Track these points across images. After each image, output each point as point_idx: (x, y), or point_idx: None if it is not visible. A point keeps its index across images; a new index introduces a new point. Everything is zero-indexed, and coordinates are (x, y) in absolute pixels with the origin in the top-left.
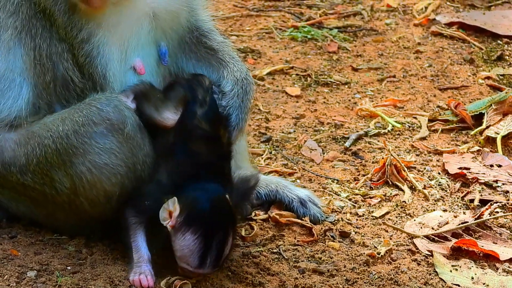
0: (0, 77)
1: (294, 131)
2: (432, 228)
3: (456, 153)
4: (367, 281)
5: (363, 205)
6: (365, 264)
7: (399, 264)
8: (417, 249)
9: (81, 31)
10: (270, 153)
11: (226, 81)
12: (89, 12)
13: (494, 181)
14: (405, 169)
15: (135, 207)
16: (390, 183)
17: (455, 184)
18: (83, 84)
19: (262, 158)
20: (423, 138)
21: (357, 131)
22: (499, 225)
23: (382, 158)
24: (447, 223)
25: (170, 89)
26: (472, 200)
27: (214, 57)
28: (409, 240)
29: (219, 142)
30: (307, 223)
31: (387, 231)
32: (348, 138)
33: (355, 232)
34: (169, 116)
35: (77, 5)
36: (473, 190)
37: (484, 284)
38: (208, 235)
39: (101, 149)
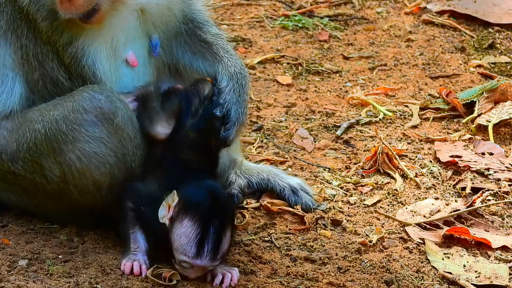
0: None
1: (286, 120)
2: (424, 216)
3: (447, 141)
4: (359, 269)
5: (355, 193)
6: (357, 252)
7: (391, 252)
8: (409, 237)
9: (63, 36)
10: (262, 141)
11: (221, 77)
12: (84, 27)
13: (485, 169)
14: (397, 157)
15: (133, 203)
16: (382, 171)
17: (446, 172)
18: (71, 84)
19: (253, 146)
20: (415, 127)
21: (349, 120)
22: (491, 213)
23: (374, 146)
24: (439, 211)
25: (166, 98)
26: (463, 188)
27: (209, 50)
28: (401, 228)
29: (208, 150)
30: (299, 212)
31: (379, 219)
32: (339, 126)
33: (347, 220)
34: (161, 131)
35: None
36: (464, 178)
37: (476, 271)
38: (205, 222)
39: (90, 137)
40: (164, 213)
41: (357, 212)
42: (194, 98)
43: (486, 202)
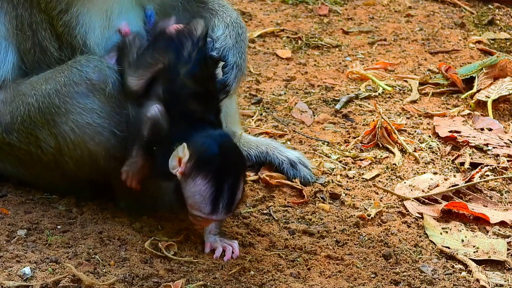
0: None
1: (285, 93)
2: (423, 191)
3: (446, 116)
4: (357, 242)
5: (354, 167)
6: (355, 226)
7: (389, 226)
8: (407, 211)
9: (60, 2)
10: (261, 114)
11: (218, 27)
12: None
13: (484, 144)
14: (396, 131)
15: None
16: (381, 145)
17: (445, 147)
18: (60, 53)
19: (252, 119)
20: (414, 101)
21: (348, 94)
22: (489, 188)
23: (373, 120)
24: (437, 185)
25: (154, 43)
26: (462, 163)
27: (205, 8)
28: (399, 203)
29: (208, 97)
30: (297, 185)
31: (377, 193)
32: (338, 100)
33: (345, 194)
34: (132, 82)
35: None
36: (463, 153)
37: (474, 246)
38: (219, 179)
39: (82, 109)
40: (174, 165)
41: (356, 186)
42: (186, 41)
43: (484, 178)
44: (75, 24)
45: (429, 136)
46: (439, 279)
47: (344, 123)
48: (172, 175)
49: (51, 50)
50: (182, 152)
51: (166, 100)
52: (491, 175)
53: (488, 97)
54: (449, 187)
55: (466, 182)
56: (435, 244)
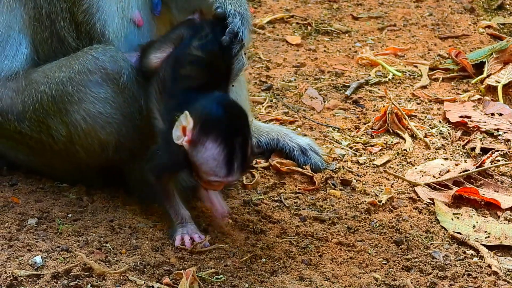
0: (1, 35)
1: (295, 80)
2: (434, 177)
3: (457, 101)
4: (369, 229)
5: (364, 153)
6: (366, 212)
7: (401, 212)
8: (419, 197)
9: None
10: (271, 101)
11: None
12: None
13: (495, 129)
14: (406, 117)
15: (153, 168)
16: (391, 131)
17: (456, 132)
18: (77, 43)
19: (262, 106)
20: (424, 87)
21: (358, 80)
22: (500, 173)
23: (383, 106)
24: (448, 171)
25: (176, 26)
26: (473, 149)
27: None
28: (410, 188)
29: (215, 66)
30: (308, 172)
31: (388, 179)
32: (348, 86)
33: (356, 180)
34: (154, 57)
35: None
36: (474, 138)
37: (485, 232)
38: (229, 139)
39: (95, 98)
40: (179, 135)
41: (367, 172)
42: (204, 27)
43: (495, 163)
44: (95, 10)
45: (440, 122)
46: (451, 265)
47: (354, 109)
48: (178, 147)
49: (69, 40)
50: (185, 120)
51: (169, 64)
52: (502, 160)
53: (499, 82)
54: (460, 172)
55: (477, 167)
56: (446, 229)
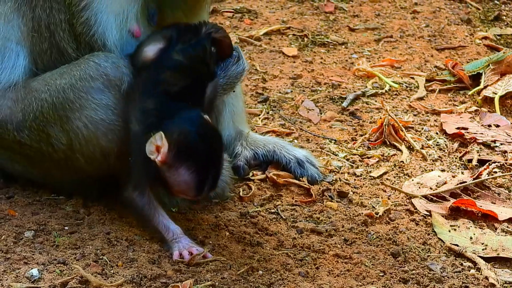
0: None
1: (291, 91)
2: (431, 188)
3: (453, 113)
4: (366, 241)
5: (361, 165)
6: (363, 224)
7: (398, 224)
8: (416, 209)
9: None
10: (268, 113)
11: None
12: None
13: (492, 141)
14: (403, 129)
15: (133, 185)
16: (388, 143)
17: (453, 144)
18: (77, 53)
19: (259, 118)
20: (421, 98)
21: (355, 91)
22: (497, 185)
23: (380, 118)
24: (445, 183)
25: (162, 30)
26: (470, 160)
27: None
28: (408, 200)
29: (195, 72)
30: (305, 184)
31: (385, 191)
32: (345, 98)
33: (353, 192)
34: (148, 50)
35: None
36: (471, 150)
37: (482, 244)
38: (203, 166)
39: (97, 105)
40: (152, 151)
41: (363, 184)
42: (190, 31)
43: (492, 174)
44: (93, 23)
45: (437, 133)
46: (448, 277)
47: (351, 121)
48: (149, 158)
49: (69, 51)
50: (160, 141)
51: (151, 66)
52: (499, 171)
53: (495, 93)
54: (457, 184)
55: (474, 179)
56: (443, 241)
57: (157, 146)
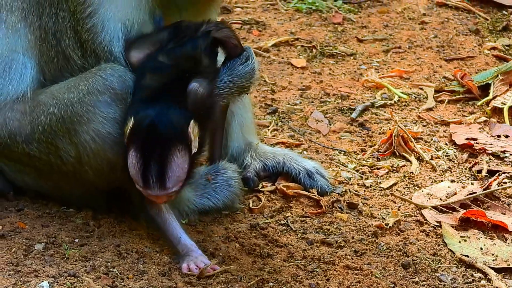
0: (5, 58)
1: (300, 103)
2: (440, 199)
3: (463, 123)
4: (376, 252)
5: (371, 176)
6: (373, 235)
7: (408, 235)
8: (426, 220)
9: (90, 6)
10: (277, 124)
11: None
12: None
13: (501, 151)
14: (412, 140)
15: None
16: (397, 154)
17: (462, 154)
18: (83, 61)
19: (268, 129)
20: (430, 109)
21: (364, 102)
22: (507, 195)
23: (389, 129)
24: (455, 193)
25: (158, 31)
26: (480, 171)
27: None
28: (417, 211)
29: (177, 67)
30: (315, 195)
31: (395, 202)
32: (354, 109)
33: (363, 204)
34: (133, 54)
35: None
36: (480, 160)
37: (493, 254)
38: (143, 152)
39: (104, 118)
40: (124, 139)
41: (373, 195)
42: (186, 30)
43: (502, 185)
44: (100, 30)
45: (446, 144)
46: None
47: (360, 132)
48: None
49: (75, 58)
50: (128, 125)
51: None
52: (509, 182)
53: (504, 104)
54: (467, 195)
55: (483, 189)
56: (453, 252)
57: (125, 131)
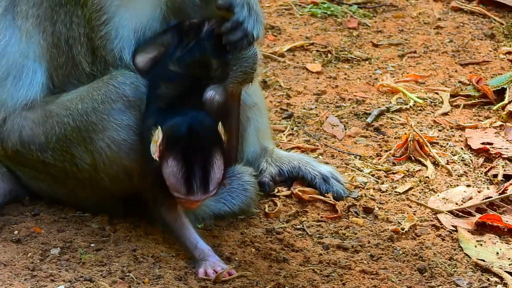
0: (17, 64)
1: (316, 107)
2: (456, 204)
3: (478, 128)
4: (392, 256)
5: (386, 180)
6: (389, 240)
7: (424, 239)
8: (441, 224)
9: (106, 14)
10: (292, 129)
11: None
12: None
13: None
14: (428, 144)
15: (160, 201)
16: (413, 158)
17: (478, 159)
18: (91, 67)
19: (284, 134)
20: (445, 114)
21: (379, 107)
22: None
23: (405, 133)
24: (471, 198)
25: (161, 34)
26: (495, 175)
27: None
28: (433, 216)
29: (194, 82)
30: (330, 200)
31: (410, 207)
32: (370, 114)
33: (379, 208)
34: (138, 60)
35: None
36: (496, 165)
37: (509, 259)
38: (188, 158)
39: (119, 125)
40: (154, 150)
41: (389, 200)
42: (190, 31)
43: None
44: (113, 37)
45: (462, 149)
46: None
47: (375, 137)
48: (154, 162)
49: (84, 65)
50: (157, 135)
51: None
52: None
53: None
54: (483, 199)
55: (499, 194)
56: (469, 257)
57: (155, 142)
